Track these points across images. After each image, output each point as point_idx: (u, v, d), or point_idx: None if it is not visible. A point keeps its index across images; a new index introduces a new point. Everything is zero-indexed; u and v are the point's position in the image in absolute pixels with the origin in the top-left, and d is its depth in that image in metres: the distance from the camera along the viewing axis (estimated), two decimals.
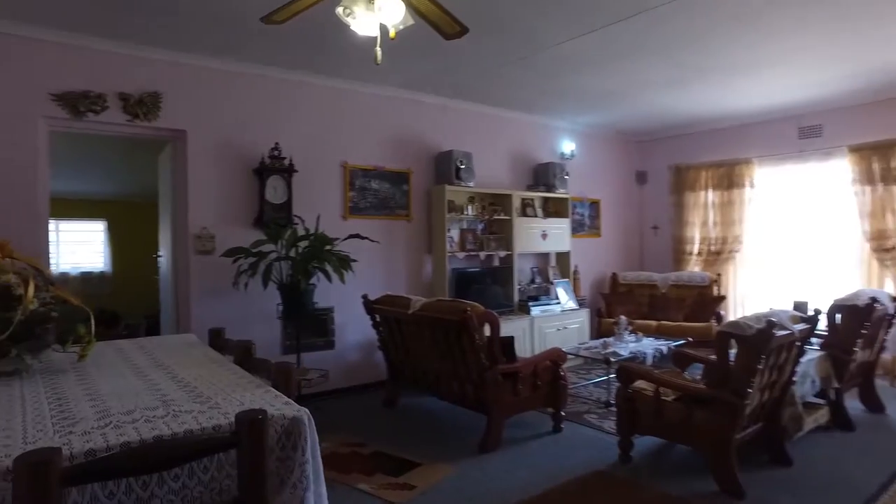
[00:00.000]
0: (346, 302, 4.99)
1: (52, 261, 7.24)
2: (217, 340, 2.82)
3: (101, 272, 7.53)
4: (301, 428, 1.54)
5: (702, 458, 3.13)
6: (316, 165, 4.99)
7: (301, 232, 4.46)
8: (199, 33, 4.02)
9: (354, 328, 5.11)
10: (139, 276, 7.72)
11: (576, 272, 6.75)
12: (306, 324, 4.70)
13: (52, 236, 7.23)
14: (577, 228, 6.90)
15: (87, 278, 7.42)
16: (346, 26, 2.43)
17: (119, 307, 7.44)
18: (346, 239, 4.46)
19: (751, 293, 6.62)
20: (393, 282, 5.43)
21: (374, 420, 4.37)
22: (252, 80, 4.71)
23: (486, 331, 3.55)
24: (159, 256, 5.34)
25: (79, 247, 7.39)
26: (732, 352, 2.92)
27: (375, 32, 2.42)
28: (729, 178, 6.72)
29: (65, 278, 7.28)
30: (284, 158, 4.71)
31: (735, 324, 2.89)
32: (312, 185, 4.95)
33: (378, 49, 2.49)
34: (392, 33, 2.43)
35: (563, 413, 3.91)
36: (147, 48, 4.23)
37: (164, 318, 5.03)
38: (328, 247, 4.33)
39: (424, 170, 5.68)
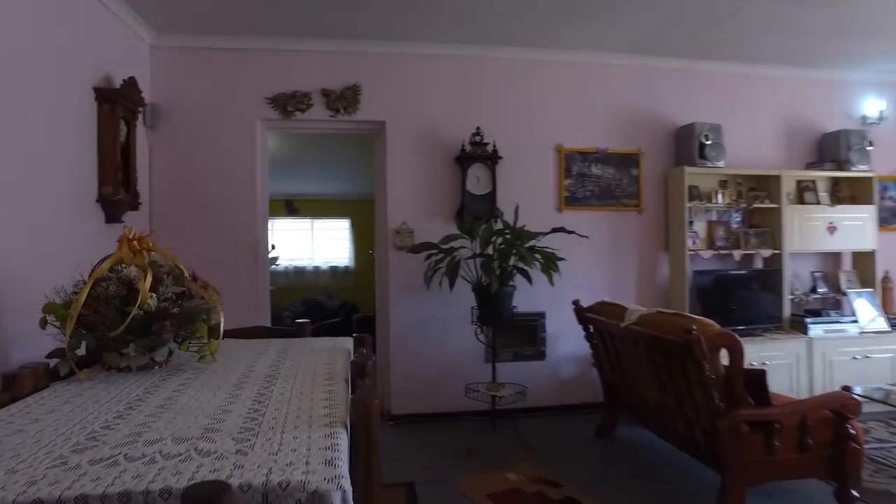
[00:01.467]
0: (559, 307, 4.30)
1: (306, 255, 8.08)
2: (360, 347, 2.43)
3: (346, 267, 8.15)
4: None
5: None
6: (524, 151, 4.40)
7: (500, 226, 3.93)
8: (393, 19, 3.79)
9: (569, 338, 4.38)
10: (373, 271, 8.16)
11: (886, 279, 4.89)
12: (508, 331, 4.16)
13: (307, 234, 8.04)
14: (887, 219, 5.01)
15: (334, 272, 8.11)
16: None
17: (359, 300, 7.94)
18: (548, 234, 3.77)
19: None
20: (621, 286, 4.54)
21: (579, 451, 3.61)
22: (448, 61, 4.33)
23: (724, 358, 2.52)
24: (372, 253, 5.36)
25: (330, 243, 8.11)
26: None
27: None
28: None
29: (316, 272, 8.08)
30: (487, 144, 4.23)
31: None
32: (520, 173, 4.38)
33: None
34: None
35: (854, 492, 2.62)
36: (345, 41, 4.16)
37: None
38: (532, 243, 3.71)
39: (659, 150, 4.64)
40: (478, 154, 4.21)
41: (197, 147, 4.14)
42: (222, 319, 2.23)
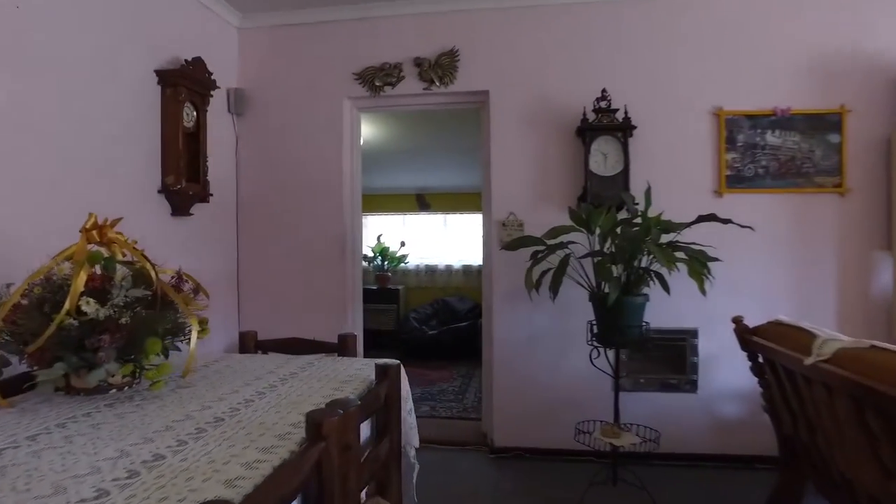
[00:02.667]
0: (717, 323, 3.22)
1: (438, 253, 7.62)
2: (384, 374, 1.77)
3: (480, 267, 7.52)
4: None
5: None
6: (667, 117, 3.37)
7: (629, 215, 2.97)
8: None
9: (732, 365, 3.25)
10: None
11: None
12: (645, 353, 3.18)
13: (440, 230, 7.57)
14: None
15: (467, 272, 7.54)
16: None
17: None
18: (692, 224, 2.73)
19: None
20: (808, 299, 3.30)
21: None
22: (566, 13, 3.46)
23: None
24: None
25: (464, 240, 7.56)
26: None
27: None
28: None
29: (448, 272, 7.57)
30: (616, 111, 3.29)
31: None
32: (662, 146, 3.36)
33: None
34: None
35: None
36: (439, 1, 3.51)
37: None
38: (671, 237, 2.73)
39: (873, 106, 3.28)
40: (604, 124, 3.29)
41: (283, 133, 3.80)
42: (195, 336, 1.70)
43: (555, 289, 2.73)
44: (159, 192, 3.07)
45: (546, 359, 3.47)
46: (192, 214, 3.27)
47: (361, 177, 3.95)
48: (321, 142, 3.74)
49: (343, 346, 2.37)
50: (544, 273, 2.95)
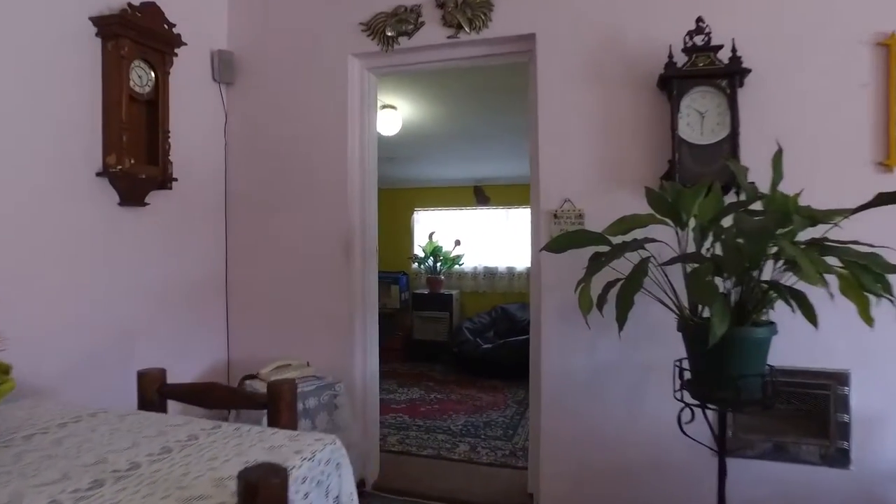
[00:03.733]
0: (882, 364, 2.13)
1: (498, 254, 6.66)
2: None
3: None
4: None
5: None
6: (797, 54, 2.28)
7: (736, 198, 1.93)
8: None
9: None
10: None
11: None
12: (750, 407, 2.12)
13: (500, 227, 6.63)
14: None
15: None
16: None
17: None
18: (863, 208, 1.65)
19: None
20: None
21: None
22: None
23: None
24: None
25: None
26: None
27: None
28: None
29: (510, 275, 6.59)
30: (717, 49, 2.24)
31: None
32: (788, 98, 2.28)
33: None
34: None
35: None
36: None
37: None
38: (827, 231, 1.68)
39: None
40: (700, 69, 2.25)
41: (283, 106, 3.04)
42: None
43: (622, 314, 1.75)
44: (99, 175, 2.37)
45: (615, 402, 2.48)
46: (147, 204, 2.56)
47: (376, 159, 3.11)
48: (321, 116, 2.95)
49: (274, 404, 1.52)
50: (609, 286, 1.97)
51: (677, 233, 1.88)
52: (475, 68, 3.02)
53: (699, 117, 2.28)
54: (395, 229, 6.97)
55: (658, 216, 1.89)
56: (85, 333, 2.33)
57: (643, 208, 2.00)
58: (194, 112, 2.90)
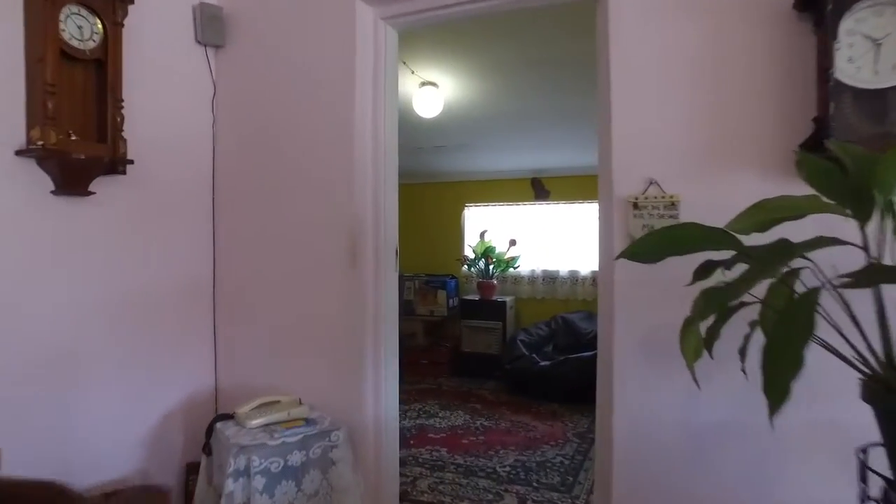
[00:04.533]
0: None
1: (559, 256, 5.84)
2: None
3: None
4: None
5: None
6: None
7: None
8: None
9: None
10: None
11: None
12: None
13: (562, 225, 5.82)
14: None
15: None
16: None
17: None
18: None
19: None
20: None
21: None
22: None
23: None
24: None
25: (595, 239, 5.75)
26: None
27: None
28: None
29: (573, 280, 5.74)
30: None
31: None
32: None
33: None
34: None
35: None
36: None
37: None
38: None
39: None
40: None
41: (282, 72, 2.42)
42: None
43: (779, 383, 0.94)
44: (20, 153, 1.81)
45: (731, 484, 1.68)
46: (91, 193, 1.99)
47: (396, 135, 2.45)
48: (326, 82, 2.30)
49: None
50: (726, 313, 1.20)
51: (862, 233, 1.08)
52: (528, 24, 2.29)
53: (871, 47, 1.45)
54: (444, 227, 6.29)
55: (826, 199, 1.10)
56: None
57: (770, 192, 1.20)
58: (168, 79, 2.32)
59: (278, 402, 2.16)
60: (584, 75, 3.89)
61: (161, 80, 2.28)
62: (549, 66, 3.72)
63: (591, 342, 5.01)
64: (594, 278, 5.68)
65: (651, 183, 1.76)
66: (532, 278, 5.92)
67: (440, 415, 4.35)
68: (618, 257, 1.29)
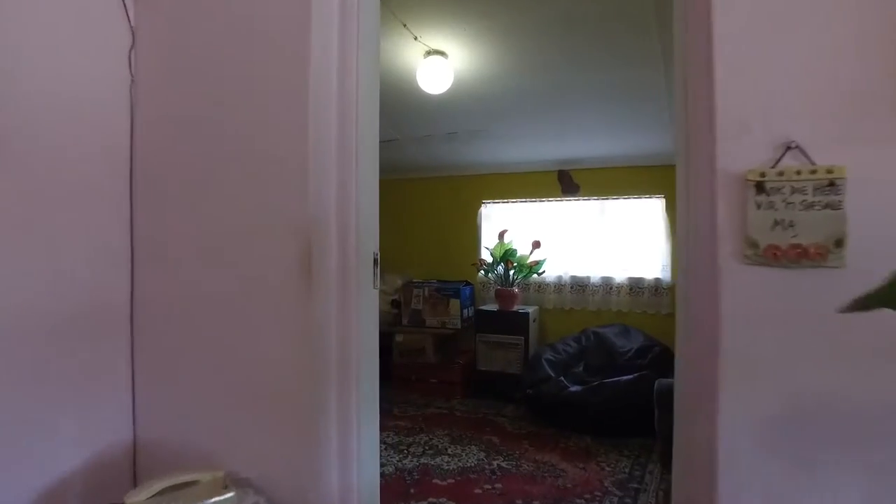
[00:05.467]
0: None
1: (590, 260, 5.10)
2: None
3: (657, 281, 4.84)
4: None
5: None
6: None
7: None
8: None
9: None
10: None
11: None
12: None
13: (595, 223, 5.07)
14: None
15: (636, 290, 4.87)
16: None
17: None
18: None
19: None
20: None
21: None
22: None
23: None
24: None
25: (630, 241, 4.98)
26: None
27: None
28: None
29: (606, 288, 4.96)
30: None
31: None
32: None
33: None
34: None
35: None
36: None
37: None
38: None
39: None
40: None
41: (217, 17, 1.73)
42: None
43: None
44: None
45: None
46: None
47: (376, 104, 1.73)
48: (275, 33, 1.61)
49: None
50: None
51: None
52: None
53: None
54: (457, 227, 5.57)
55: None
56: None
57: None
58: (63, 17, 1.64)
59: (195, 482, 1.46)
60: (627, 40, 3.16)
61: (53, 17, 1.61)
62: (582, 28, 3.00)
63: (628, 363, 4.25)
64: (631, 286, 4.91)
65: (789, 147, 1.03)
66: (559, 286, 5.16)
67: (449, 450, 3.64)
68: (855, 308, 0.56)
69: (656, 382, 3.46)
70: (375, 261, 1.72)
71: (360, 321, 1.63)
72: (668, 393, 3.38)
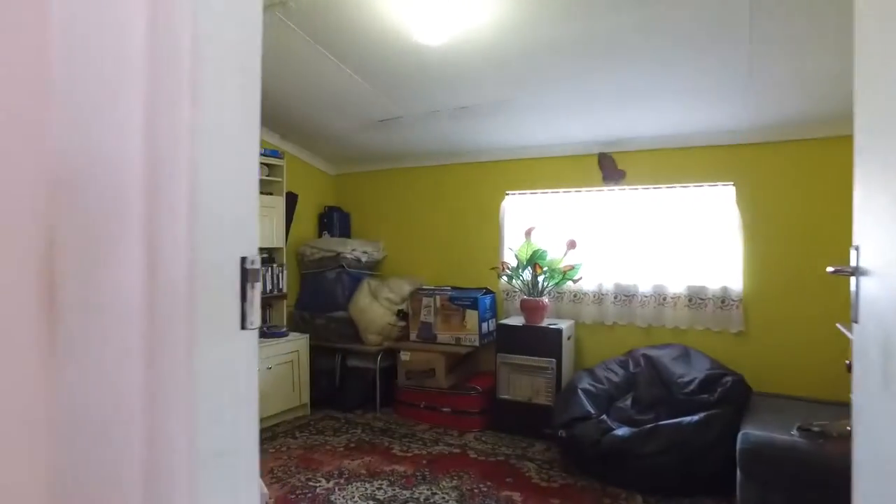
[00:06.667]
0: None
1: (628, 266, 4.13)
2: None
3: (725, 291, 3.84)
4: None
5: None
6: None
7: None
8: None
9: None
10: (793, 302, 3.63)
11: None
12: None
13: (643, 219, 4.13)
14: None
15: (698, 303, 3.88)
16: None
17: (759, 373, 3.59)
18: None
19: None
20: None
21: None
22: None
23: None
24: (852, 268, 1.24)
25: (696, 241, 4.00)
26: None
27: None
28: None
29: (659, 300, 3.98)
30: None
31: None
32: None
33: None
34: None
35: None
36: None
37: None
38: None
39: None
40: None
41: None
42: None
43: None
44: None
45: None
46: None
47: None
48: None
49: None
50: None
51: None
52: None
53: None
54: (475, 223, 4.70)
55: None
56: None
57: None
58: None
59: None
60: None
61: None
62: None
63: (689, 397, 3.30)
64: (690, 296, 3.95)
65: None
66: (599, 296, 4.23)
67: None
68: None
69: (740, 436, 2.53)
70: (245, 272, 0.87)
71: (198, 401, 0.78)
72: (758, 453, 2.43)
